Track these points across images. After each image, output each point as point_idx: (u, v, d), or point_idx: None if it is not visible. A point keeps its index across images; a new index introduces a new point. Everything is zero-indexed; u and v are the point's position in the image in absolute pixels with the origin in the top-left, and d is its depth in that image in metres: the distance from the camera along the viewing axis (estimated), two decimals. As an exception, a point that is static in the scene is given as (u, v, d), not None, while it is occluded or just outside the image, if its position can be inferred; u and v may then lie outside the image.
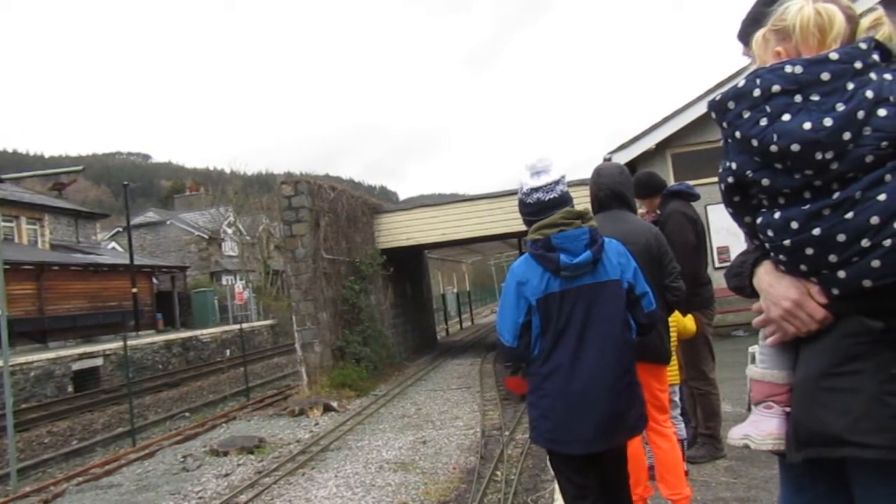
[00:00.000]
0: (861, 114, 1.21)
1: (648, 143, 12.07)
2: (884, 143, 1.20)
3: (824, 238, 1.24)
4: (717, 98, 1.40)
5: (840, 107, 1.22)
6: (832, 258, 1.25)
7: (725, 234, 10.83)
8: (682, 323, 3.86)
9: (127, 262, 25.40)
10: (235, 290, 31.66)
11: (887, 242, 1.18)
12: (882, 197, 1.19)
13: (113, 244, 35.01)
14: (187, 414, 13.88)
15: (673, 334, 3.70)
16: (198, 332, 24.34)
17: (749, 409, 1.53)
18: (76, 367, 17.15)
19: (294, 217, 13.94)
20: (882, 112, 1.21)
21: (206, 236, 36.97)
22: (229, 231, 36.50)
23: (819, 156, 1.23)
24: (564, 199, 2.71)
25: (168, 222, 37.62)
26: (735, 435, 1.53)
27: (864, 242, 1.20)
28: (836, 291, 1.27)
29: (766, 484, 3.95)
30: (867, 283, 1.21)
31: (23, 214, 26.18)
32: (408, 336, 19.56)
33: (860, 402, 1.20)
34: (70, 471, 9.71)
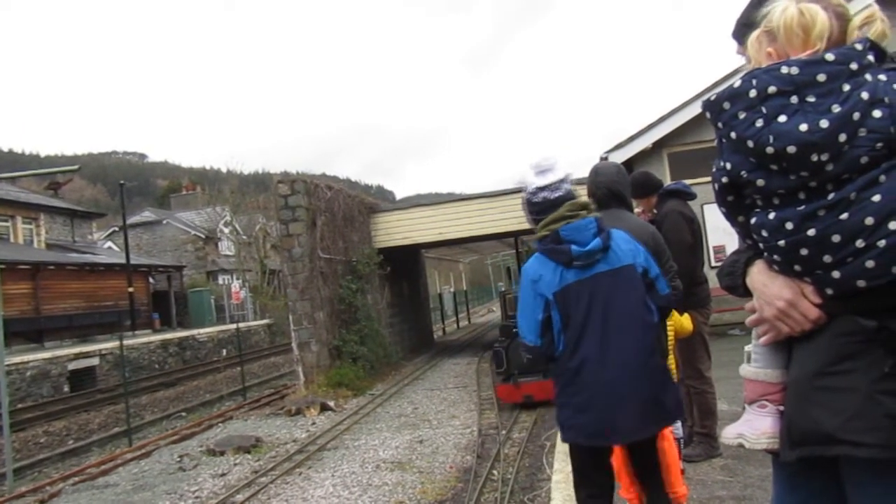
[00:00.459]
0: (857, 115, 1.21)
1: (645, 142, 12.08)
2: (878, 144, 1.21)
3: (819, 239, 1.25)
4: (713, 98, 1.40)
5: (836, 108, 1.23)
6: (827, 259, 1.25)
7: (722, 233, 10.85)
8: (678, 322, 3.86)
9: (123, 261, 25.35)
10: (232, 290, 31.60)
11: (882, 243, 1.18)
12: (877, 198, 1.20)
13: (109, 244, 34.92)
14: (184, 414, 13.86)
15: (670, 333, 3.70)
16: (194, 332, 24.29)
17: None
18: (72, 366, 17.10)
19: (290, 216, 13.93)
20: (877, 113, 1.21)
21: (203, 236, 36.92)
22: (226, 230, 36.46)
23: (815, 157, 1.23)
24: (570, 197, 2.74)
25: (164, 222, 37.55)
26: (729, 434, 1.54)
27: (859, 243, 1.21)
28: (830, 291, 1.27)
29: (761, 482, 3.96)
30: (861, 283, 1.22)
31: (18, 214, 26.10)
32: (404, 335, 19.56)
33: (853, 401, 1.21)
34: (66, 471, 9.70)
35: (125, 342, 14.36)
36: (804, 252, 1.28)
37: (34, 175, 21.24)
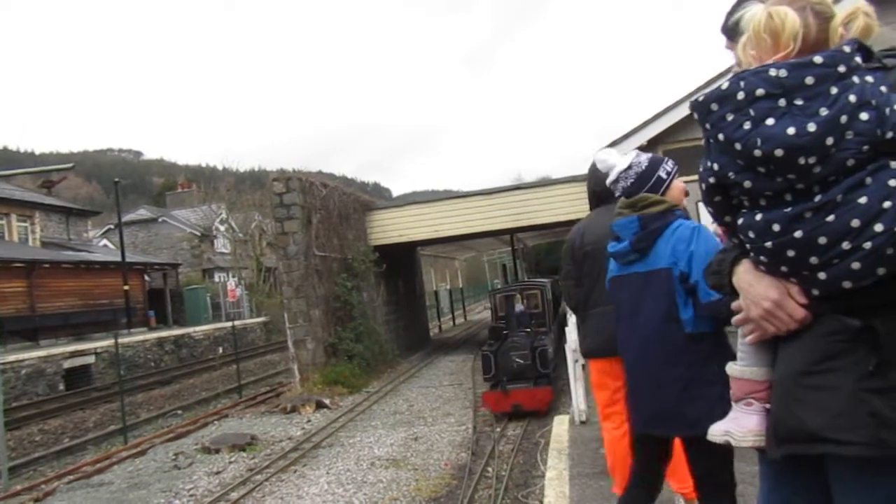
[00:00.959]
0: (844, 118, 1.22)
1: (640, 139, 12.10)
2: (865, 147, 1.21)
3: (806, 240, 1.26)
4: (700, 99, 1.40)
5: (823, 111, 1.23)
6: (813, 260, 1.26)
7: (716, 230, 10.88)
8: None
9: (118, 259, 25.29)
10: (228, 288, 31.53)
11: (867, 245, 1.19)
12: (863, 200, 1.20)
13: (104, 241, 34.83)
14: (179, 412, 13.85)
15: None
16: (190, 330, 24.25)
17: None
18: (67, 364, 17.06)
19: (286, 214, 13.92)
20: (864, 116, 1.22)
21: (199, 233, 36.83)
22: (221, 228, 36.42)
23: (802, 160, 1.23)
24: (631, 193, 2.74)
25: (160, 219, 37.44)
26: (716, 431, 1.55)
27: (845, 245, 1.21)
28: (816, 292, 1.28)
29: (753, 479, 3.95)
30: (847, 284, 1.23)
31: (13, 212, 26.01)
32: (400, 333, 19.56)
33: (838, 400, 1.22)
34: (61, 469, 9.69)
35: (121, 340, 14.33)
36: (791, 253, 1.28)
37: (29, 173, 21.14)
